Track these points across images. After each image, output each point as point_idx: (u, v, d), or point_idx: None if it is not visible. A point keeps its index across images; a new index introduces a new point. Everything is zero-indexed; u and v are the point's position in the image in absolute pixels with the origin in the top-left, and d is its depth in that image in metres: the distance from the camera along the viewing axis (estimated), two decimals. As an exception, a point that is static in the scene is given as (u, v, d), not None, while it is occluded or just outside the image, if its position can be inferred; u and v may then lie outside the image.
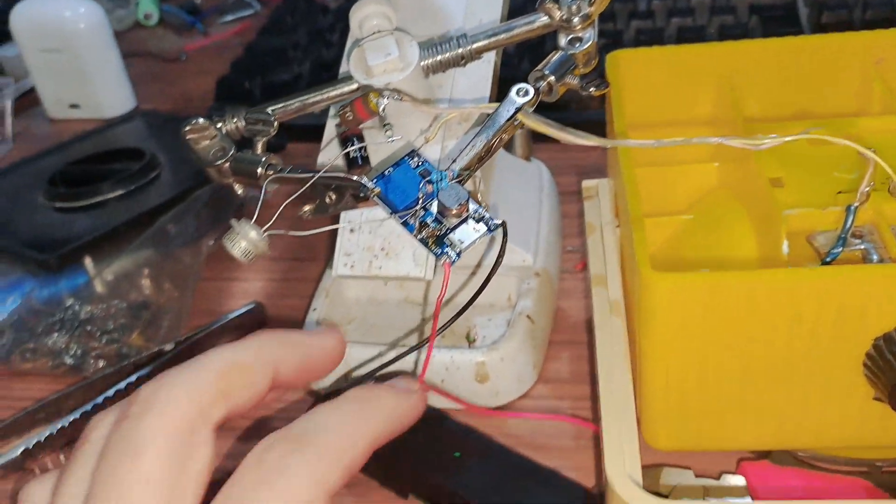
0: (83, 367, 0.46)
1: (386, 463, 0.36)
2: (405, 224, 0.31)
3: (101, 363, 0.46)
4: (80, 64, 0.72)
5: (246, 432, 0.42)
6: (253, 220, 0.32)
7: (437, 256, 0.30)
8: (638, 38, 0.62)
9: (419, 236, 0.30)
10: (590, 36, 0.35)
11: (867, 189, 0.31)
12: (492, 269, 0.31)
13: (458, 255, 0.30)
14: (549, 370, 0.42)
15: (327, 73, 0.68)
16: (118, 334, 0.47)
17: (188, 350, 0.46)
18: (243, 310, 0.48)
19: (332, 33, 0.75)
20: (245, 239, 0.31)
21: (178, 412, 0.24)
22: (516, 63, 0.63)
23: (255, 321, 0.48)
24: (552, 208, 0.49)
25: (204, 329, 0.47)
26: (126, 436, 0.24)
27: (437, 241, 0.30)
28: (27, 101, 0.78)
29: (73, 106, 0.75)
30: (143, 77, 0.80)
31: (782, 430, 0.32)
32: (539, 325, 0.42)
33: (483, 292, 0.44)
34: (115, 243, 0.52)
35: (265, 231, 0.32)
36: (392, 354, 0.37)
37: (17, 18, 0.72)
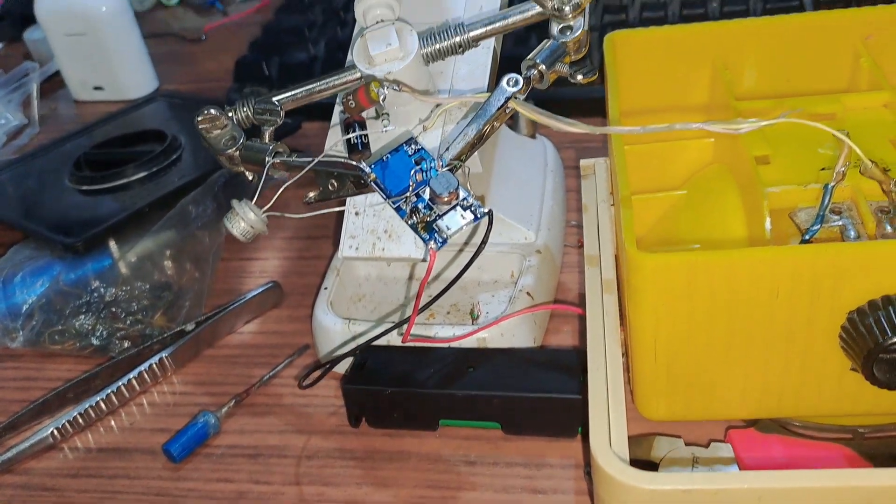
0: (109, 347, 0.49)
1: (408, 408, 0.39)
2: (398, 209, 0.32)
3: (125, 343, 0.49)
4: (104, 47, 0.74)
5: (262, 408, 0.44)
6: (253, 201, 0.34)
7: (425, 242, 0.32)
8: (642, 18, 0.63)
9: (410, 221, 0.32)
10: (580, 24, 0.36)
11: (843, 169, 0.32)
12: (474, 254, 0.33)
13: (445, 241, 0.32)
14: (549, 342, 0.44)
15: (342, 53, 0.69)
16: (142, 315, 0.50)
17: (209, 329, 0.49)
18: (260, 289, 0.50)
19: (347, 12, 0.76)
20: (244, 219, 0.33)
21: None
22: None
23: (272, 300, 0.51)
24: (556, 184, 0.50)
25: (223, 309, 0.49)
26: None
27: (427, 227, 0.32)
28: (52, 84, 0.81)
29: (98, 88, 0.77)
30: (164, 57, 0.82)
31: (766, 399, 0.34)
32: (539, 301, 0.43)
33: (487, 270, 0.46)
34: (138, 225, 0.54)
35: (264, 212, 0.33)
36: (381, 329, 0.39)
37: (42, 4, 0.74)
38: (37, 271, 0.53)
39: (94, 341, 0.49)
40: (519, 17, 0.39)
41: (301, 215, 0.36)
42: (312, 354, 0.46)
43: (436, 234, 0.32)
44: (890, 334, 0.29)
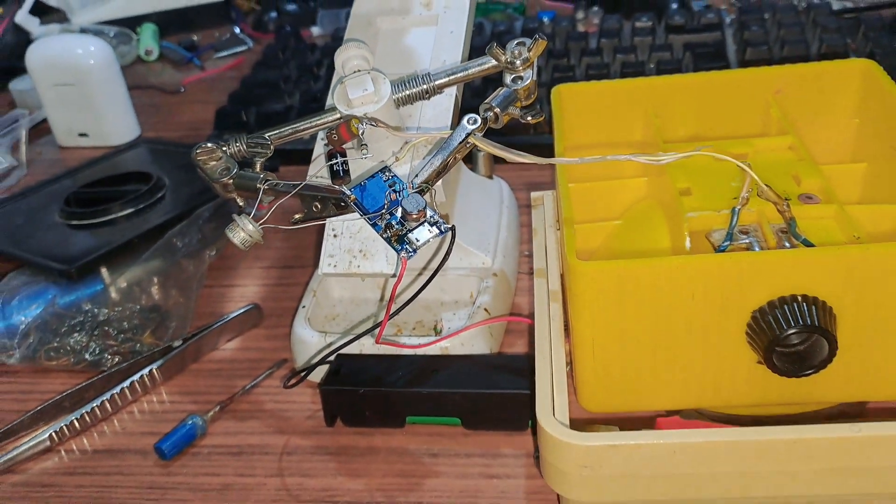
0: (101, 362, 0.53)
1: (378, 406, 0.44)
2: (374, 225, 0.38)
3: (116, 359, 0.53)
4: (90, 96, 0.79)
5: (244, 414, 0.48)
6: (251, 216, 0.39)
7: (398, 252, 0.37)
8: (587, 73, 0.70)
9: (384, 235, 0.38)
10: (529, 75, 0.43)
11: (746, 195, 0.39)
12: (440, 263, 0.38)
13: (415, 251, 0.38)
14: (505, 352, 0.49)
15: (315, 104, 0.75)
16: (132, 334, 0.54)
17: (194, 346, 0.53)
18: (242, 310, 0.55)
19: (319, 68, 0.82)
20: (244, 230, 0.38)
21: None
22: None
23: (252, 320, 0.55)
24: (511, 218, 0.57)
25: (208, 327, 0.54)
26: None
27: (399, 240, 0.38)
28: (38, 131, 0.86)
29: (82, 135, 0.82)
30: (145, 108, 0.87)
31: (688, 392, 0.40)
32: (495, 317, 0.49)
33: (448, 291, 0.51)
34: (128, 255, 0.59)
35: (260, 224, 0.39)
36: (351, 336, 0.44)
37: (33, 55, 0.79)
38: (33, 295, 0.57)
39: (88, 357, 0.53)
40: (477, 68, 0.45)
41: (289, 227, 0.41)
42: (290, 367, 0.51)
43: (406, 246, 0.38)
44: (785, 328, 0.35)
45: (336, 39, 0.90)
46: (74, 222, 0.65)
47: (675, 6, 0.83)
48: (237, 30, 1.06)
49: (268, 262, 0.62)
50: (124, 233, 0.62)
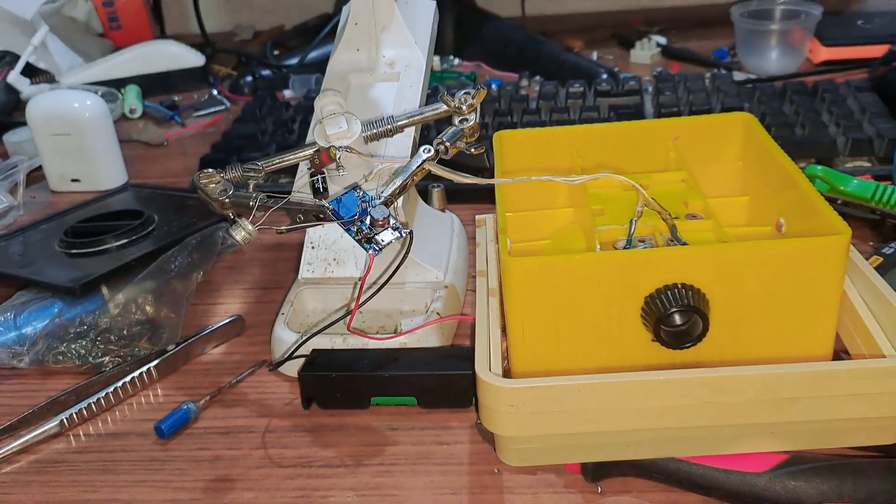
0: (103, 364, 0.61)
1: (347, 389, 0.53)
2: (348, 230, 0.47)
3: (117, 361, 0.61)
4: (84, 145, 0.88)
5: (231, 403, 0.57)
6: (249, 219, 0.48)
7: (366, 250, 0.47)
8: (523, 121, 0.82)
9: (356, 237, 0.47)
10: (473, 118, 0.53)
11: (640, 209, 0.49)
12: (402, 257, 0.48)
13: (380, 249, 0.47)
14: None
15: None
16: (129, 340, 0.62)
17: (185, 350, 0.61)
18: (227, 320, 0.64)
19: (293, 123, 0.93)
20: (245, 230, 0.48)
21: None
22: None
23: (236, 329, 0.64)
24: (461, 244, 0.66)
25: (197, 334, 0.62)
26: None
27: (368, 241, 0.47)
28: (32, 177, 0.94)
29: (75, 180, 0.91)
30: (131, 159, 0.96)
31: (600, 365, 0.49)
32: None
33: (406, 302, 0.60)
34: (124, 276, 0.67)
35: (257, 227, 0.48)
36: (328, 322, 0.53)
37: (34, 108, 0.88)
38: (41, 308, 0.65)
39: (91, 360, 0.61)
40: (431, 112, 0.55)
41: (281, 228, 0.50)
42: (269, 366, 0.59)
43: (374, 245, 0.47)
44: (669, 307, 0.45)
45: (308, 100, 1.00)
46: (74, 251, 0.73)
47: (605, 76, 0.95)
48: (215, 92, 1.16)
49: (247, 284, 0.70)
50: (119, 260, 0.70)
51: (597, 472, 0.47)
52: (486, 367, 0.45)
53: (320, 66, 1.14)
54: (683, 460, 0.46)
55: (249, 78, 1.17)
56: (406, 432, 0.52)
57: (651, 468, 0.47)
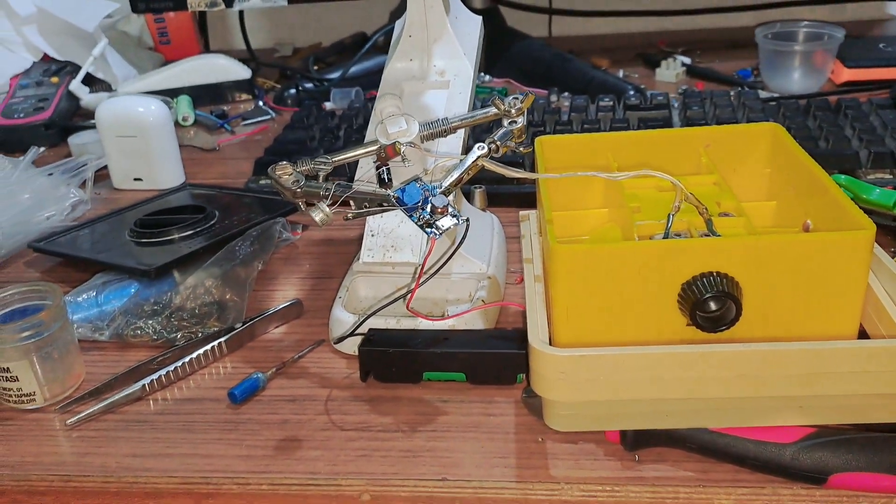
0: (176, 339, 0.66)
1: (403, 364, 0.58)
2: (410, 216, 0.53)
3: (189, 336, 0.66)
4: (147, 147, 0.95)
5: (294, 376, 0.62)
6: (326, 203, 0.54)
7: (428, 234, 0.52)
8: (556, 129, 0.88)
9: (418, 223, 0.53)
10: (521, 120, 0.59)
11: (678, 204, 0.54)
12: (459, 242, 0.53)
13: (440, 234, 0.52)
14: (497, 338, 0.64)
15: (337, 157, 0.91)
16: (200, 318, 0.68)
17: (250, 329, 0.67)
18: (287, 303, 0.69)
19: (338, 130, 0.99)
20: (322, 211, 0.53)
21: None
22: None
23: (295, 312, 0.69)
24: (500, 241, 0.72)
25: (260, 315, 0.68)
26: None
27: (429, 226, 0.53)
28: (97, 175, 1.00)
29: (137, 179, 0.97)
30: (186, 162, 1.02)
31: (639, 342, 0.54)
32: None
33: (452, 291, 0.66)
34: (193, 263, 0.73)
35: (333, 210, 0.54)
36: (387, 301, 0.59)
37: (103, 112, 0.95)
38: (120, 289, 0.71)
39: (165, 335, 0.67)
40: (482, 115, 0.61)
41: (349, 214, 0.56)
42: (328, 345, 0.65)
43: (433, 230, 0.53)
44: (702, 294, 0.50)
45: (351, 110, 1.06)
46: (143, 240, 0.79)
47: (632, 92, 1.01)
48: (261, 103, 1.23)
49: (302, 273, 0.76)
50: (187, 249, 0.76)
51: (635, 441, 0.52)
52: (538, 337, 0.50)
53: (359, 79, 1.21)
54: (716, 431, 0.51)
55: (293, 90, 1.23)
56: (456, 404, 0.57)
57: (686, 438, 0.51)
